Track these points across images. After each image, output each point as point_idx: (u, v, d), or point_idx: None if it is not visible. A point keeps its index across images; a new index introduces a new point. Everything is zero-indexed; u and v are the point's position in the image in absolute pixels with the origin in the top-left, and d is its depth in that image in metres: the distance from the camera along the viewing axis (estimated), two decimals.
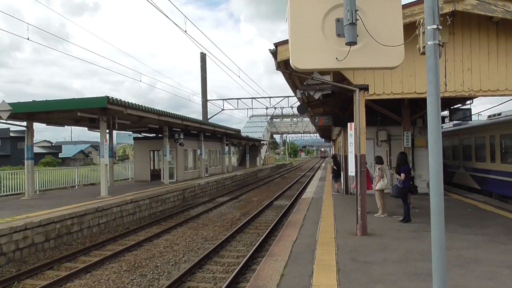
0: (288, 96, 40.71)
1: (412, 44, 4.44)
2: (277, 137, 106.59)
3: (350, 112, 11.39)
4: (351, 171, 8.62)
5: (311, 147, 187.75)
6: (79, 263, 9.13)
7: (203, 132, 27.14)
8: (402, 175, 9.37)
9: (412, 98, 9.07)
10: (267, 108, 42.44)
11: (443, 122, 17.05)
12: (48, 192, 18.22)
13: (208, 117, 37.44)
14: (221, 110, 40.35)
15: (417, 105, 13.28)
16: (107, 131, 18.03)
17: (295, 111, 36.42)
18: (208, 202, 19.49)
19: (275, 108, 42.93)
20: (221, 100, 41.16)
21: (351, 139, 8.65)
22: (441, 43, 3.28)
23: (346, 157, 14.22)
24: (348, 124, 8.87)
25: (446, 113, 15.38)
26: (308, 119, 51.02)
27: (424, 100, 10.48)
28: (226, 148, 35.33)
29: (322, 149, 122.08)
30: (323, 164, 61.36)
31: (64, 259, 9.27)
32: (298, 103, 14.30)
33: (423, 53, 3.38)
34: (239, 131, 34.11)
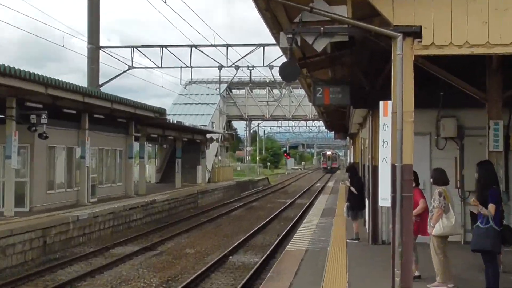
0: (263, 45, 40.35)
1: None
2: (239, 126, 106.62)
3: (385, 81, 11.31)
4: (384, 197, 8.78)
5: (307, 149, 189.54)
6: None
7: (88, 112, 26.94)
8: (491, 206, 9.45)
9: (507, 54, 9.15)
10: (221, 67, 42.15)
11: None
12: None
13: (101, 83, 37.03)
14: (128, 67, 39.90)
15: None
16: None
17: (277, 74, 36.06)
18: (95, 256, 19.40)
19: (238, 68, 42.85)
20: (129, 49, 40.71)
21: (385, 135, 8.79)
22: None
23: (375, 170, 14.18)
24: (381, 104, 9.01)
25: None
26: (302, 92, 51.01)
27: None
28: (136, 145, 35.18)
29: (329, 152, 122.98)
30: (330, 183, 61.80)
31: None
32: (283, 60, 14.13)
33: None
34: (163, 112, 33.98)
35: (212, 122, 57.85)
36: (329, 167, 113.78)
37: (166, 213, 31.73)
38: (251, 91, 66.51)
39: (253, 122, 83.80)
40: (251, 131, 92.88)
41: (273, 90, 65.02)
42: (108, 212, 24.66)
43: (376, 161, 14.22)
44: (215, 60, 42.15)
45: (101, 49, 37.61)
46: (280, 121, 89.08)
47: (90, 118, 27.39)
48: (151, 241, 22.51)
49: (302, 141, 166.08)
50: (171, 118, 39.24)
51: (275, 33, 11.30)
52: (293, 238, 18.21)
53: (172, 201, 33.60)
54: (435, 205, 10.48)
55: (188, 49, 40.92)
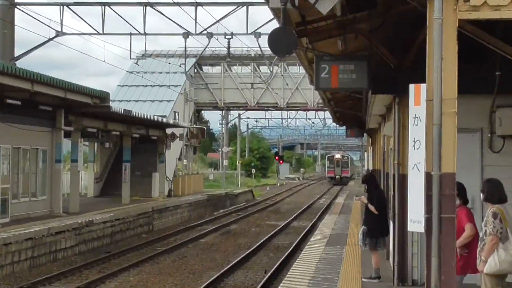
0: (247, 4, 41.47)
1: None
2: (213, 118, 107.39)
3: (417, 56, 11.69)
4: (415, 219, 9.00)
5: (308, 150, 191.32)
6: None
7: None
8: None
9: None
10: (187, 35, 42.18)
11: None
12: None
13: (17, 55, 38.19)
14: (55, 34, 40.86)
15: None
16: None
17: (265, 45, 36.20)
18: None
19: (211, 36, 43.26)
20: (57, 7, 41.12)
21: (417, 131, 9.03)
22: None
23: (403, 180, 13.88)
24: (411, 88, 9.23)
25: None
26: (301, 70, 51.34)
27: None
28: (67, 144, 36.20)
29: (338, 155, 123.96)
30: (339, 199, 62.09)
31: None
32: (275, 25, 14.54)
33: None
34: (105, 97, 34.72)
35: (175, 112, 58.22)
36: (337, 177, 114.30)
37: (108, 240, 31.82)
38: (230, 69, 66.84)
39: (232, 112, 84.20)
40: (229, 124, 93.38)
41: (260, 67, 65.24)
42: (25, 238, 24.72)
43: (404, 168, 14.89)
44: (179, 25, 42.51)
45: (17, 6, 37.46)
46: (270, 111, 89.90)
47: (1, 104, 27.52)
48: (86, 279, 23.03)
49: (300, 139, 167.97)
50: (116, 106, 39.73)
51: None
52: (287, 276, 18.62)
53: (117, 222, 33.68)
54: (488, 231, 10.42)
55: (141, 8, 41.27)
